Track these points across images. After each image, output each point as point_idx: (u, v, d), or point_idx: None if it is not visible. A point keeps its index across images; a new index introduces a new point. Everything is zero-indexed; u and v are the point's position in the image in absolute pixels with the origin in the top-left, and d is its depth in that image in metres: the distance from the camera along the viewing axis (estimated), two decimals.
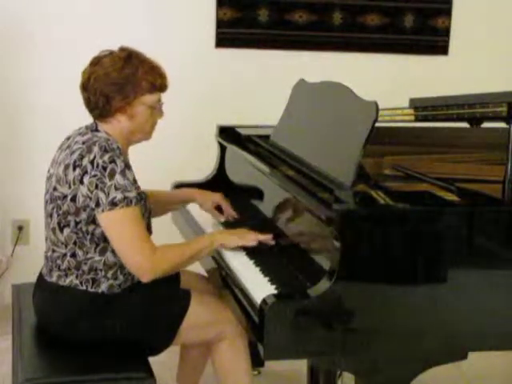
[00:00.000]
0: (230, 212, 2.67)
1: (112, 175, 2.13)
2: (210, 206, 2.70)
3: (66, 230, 2.21)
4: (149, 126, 2.32)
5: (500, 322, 2.08)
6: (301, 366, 2.87)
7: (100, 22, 3.65)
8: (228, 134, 3.00)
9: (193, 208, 2.87)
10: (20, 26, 3.61)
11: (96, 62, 2.26)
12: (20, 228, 3.77)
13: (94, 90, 2.22)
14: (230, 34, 3.78)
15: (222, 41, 3.79)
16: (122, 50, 2.28)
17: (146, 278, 2.19)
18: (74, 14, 3.65)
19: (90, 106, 2.26)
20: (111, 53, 2.27)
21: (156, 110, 2.30)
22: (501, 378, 3.27)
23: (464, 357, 2.08)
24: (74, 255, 2.22)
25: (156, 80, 2.26)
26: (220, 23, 3.77)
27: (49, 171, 2.30)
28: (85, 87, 2.26)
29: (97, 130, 2.26)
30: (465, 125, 2.78)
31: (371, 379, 2.05)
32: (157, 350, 2.32)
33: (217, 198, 2.70)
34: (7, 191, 3.73)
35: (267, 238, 2.32)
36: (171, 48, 3.61)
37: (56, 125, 3.60)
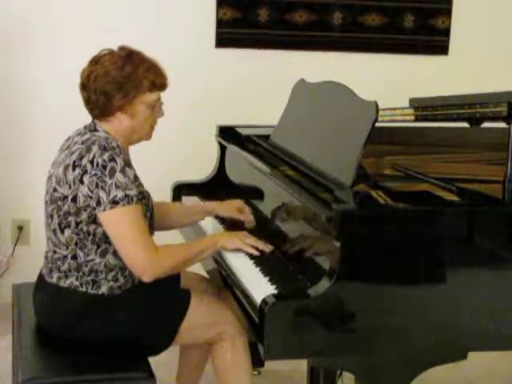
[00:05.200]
0: (249, 218, 2.57)
1: (112, 173, 2.13)
2: (234, 212, 2.58)
3: (67, 231, 2.21)
4: (148, 126, 2.31)
5: (500, 322, 2.08)
6: (301, 365, 2.87)
7: (100, 22, 3.65)
8: (228, 134, 3.00)
9: None
10: (20, 26, 3.61)
11: (96, 60, 2.25)
12: (20, 228, 3.78)
13: (94, 89, 2.21)
14: (230, 34, 3.78)
15: (222, 41, 3.79)
16: (122, 49, 2.28)
17: (146, 278, 2.18)
18: (74, 14, 3.65)
19: (90, 105, 2.25)
20: (111, 52, 2.27)
21: (156, 110, 2.30)
22: (501, 378, 3.27)
23: (464, 357, 2.08)
24: (74, 257, 2.22)
25: (156, 79, 2.26)
26: (220, 23, 3.77)
27: (49, 172, 2.30)
28: (84, 86, 2.25)
29: (95, 130, 2.26)
30: (465, 125, 2.79)
31: (371, 379, 2.05)
32: (157, 350, 2.32)
33: (238, 203, 2.60)
34: (7, 191, 3.73)
35: (266, 247, 2.32)
36: (171, 48, 3.61)
37: (56, 125, 3.60)
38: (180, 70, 2.38)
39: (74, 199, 2.16)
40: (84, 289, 2.22)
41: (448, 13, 3.94)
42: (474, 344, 2.08)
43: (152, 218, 2.35)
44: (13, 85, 3.66)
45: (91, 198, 2.14)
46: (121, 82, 2.21)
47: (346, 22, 3.87)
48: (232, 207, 2.60)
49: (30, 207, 3.68)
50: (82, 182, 2.14)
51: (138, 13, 3.70)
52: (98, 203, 2.13)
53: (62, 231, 2.21)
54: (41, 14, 3.62)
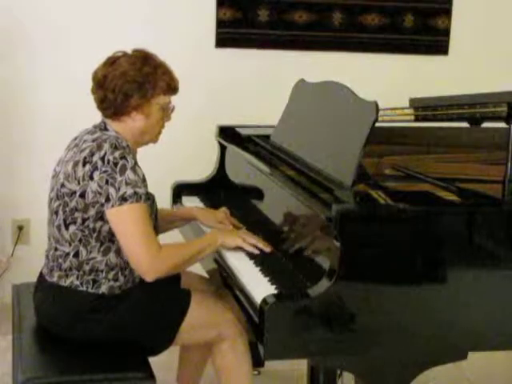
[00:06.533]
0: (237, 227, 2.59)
1: (123, 171, 2.14)
2: (214, 223, 2.60)
3: (72, 227, 2.21)
4: (159, 128, 2.34)
5: (500, 322, 2.08)
6: (301, 365, 2.86)
7: (100, 22, 3.65)
8: (228, 134, 3.00)
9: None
10: (20, 26, 3.61)
11: (112, 61, 2.27)
12: (20, 228, 3.77)
13: (112, 88, 2.23)
14: (229, 34, 3.78)
15: (222, 41, 3.79)
16: (137, 51, 2.31)
17: (149, 277, 2.19)
18: (75, 14, 3.65)
19: (105, 104, 2.26)
20: (126, 53, 2.29)
21: (166, 113, 2.32)
22: (501, 378, 3.27)
23: (464, 357, 2.08)
24: (76, 254, 2.22)
25: (171, 82, 2.30)
26: (220, 23, 3.77)
27: (54, 170, 2.30)
28: (101, 85, 2.26)
29: (106, 129, 2.27)
30: (465, 125, 2.79)
31: (371, 379, 2.05)
32: (157, 351, 2.32)
33: (220, 215, 2.61)
34: (7, 191, 3.73)
35: (265, 246, 2.32)
36: (171, 48, 3.59)
37: (56, 125, 3.61)
38: (180, 70, 2.37)
39: (83, 195, 2.17)
40: (84, 288, 2.23)
41: (448, 13, 3.94)
42: (473, 344, 2.08)
43: (156, 220, 2.36)
44: (13, 85, 3.66)
45: (100, 194, 2.15)
46: (140, 82, 2.23)
47: (346, 22, 3.87)
48: (211, 216, 2.61)
49: (30, 207, 3.68)
50: (91, 178, 2.15)
51: (138, 13, 3.70)
52: (107, 199, 2.14)
53: (67, 227, 2.21)
54: (41, 15, 3.62)
